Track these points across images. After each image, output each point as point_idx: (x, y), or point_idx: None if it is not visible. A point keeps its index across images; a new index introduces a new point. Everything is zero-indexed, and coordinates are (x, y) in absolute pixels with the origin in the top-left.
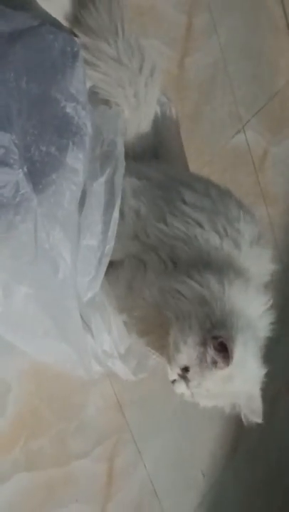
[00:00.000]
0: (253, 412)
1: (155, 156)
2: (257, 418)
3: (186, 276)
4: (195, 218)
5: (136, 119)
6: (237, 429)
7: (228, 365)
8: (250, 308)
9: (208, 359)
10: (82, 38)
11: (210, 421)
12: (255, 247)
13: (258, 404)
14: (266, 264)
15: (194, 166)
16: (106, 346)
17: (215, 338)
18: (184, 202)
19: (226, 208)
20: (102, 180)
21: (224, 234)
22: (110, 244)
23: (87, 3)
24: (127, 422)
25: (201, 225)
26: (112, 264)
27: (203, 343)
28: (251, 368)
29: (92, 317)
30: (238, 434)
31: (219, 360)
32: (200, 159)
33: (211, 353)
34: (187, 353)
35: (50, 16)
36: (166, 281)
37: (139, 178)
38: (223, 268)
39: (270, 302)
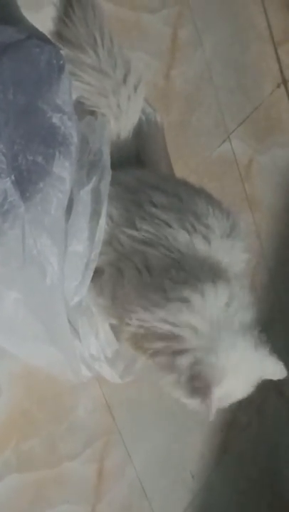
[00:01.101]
0: None
1: (138, 162)
2: None
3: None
4: (163, 219)
5: (116, 128)
6: (226, 431)
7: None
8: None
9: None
10: (64, 51)
11: (199, 423)
12: (226, 240)
13: None
14: (239, 254)
15: (180, 176)
16: (93, 350)
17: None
18: (153, 204)
19: (195, 205)
20: (88, 188)
21: (192, 230)
22: (96, 251)
23: (63, 17)
24: (116, 423)
25: (169, 225)
26: (96, 272)
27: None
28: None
29: (79, 321)
30: (227, 436)
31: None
32: (186, 168)
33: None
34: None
35: (37, 29)
36: (142, 299)
37: (111, 183)
38: (196, 269)
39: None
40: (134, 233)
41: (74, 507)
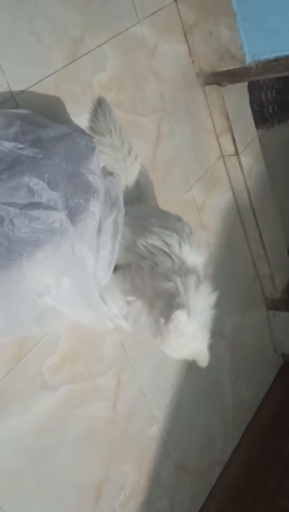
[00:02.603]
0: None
1: (137, 201)
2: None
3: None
4: (166, 233)
5: (125, 181)
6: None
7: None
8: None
9: None
10: (94, 138)
11: None
12: (197, 247)
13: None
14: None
15: None
16: (115, 311)
17: None
18: (152, 225)
19: (181, 227)
20: (110, 218)
21: (189, 243)
22: (116, 255)
23: (92, 118)
24: (127, 355)
25: (172, 237)
26: (116, 268)
27: None
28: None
29: (106, 295)
30: (191, 362)
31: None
32: (165, 207)
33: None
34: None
35: (79, 126)
36: (154, 282)
37: (124, 214)
38: (186, 266)
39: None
40: (147, 241)
41: (103, 403)
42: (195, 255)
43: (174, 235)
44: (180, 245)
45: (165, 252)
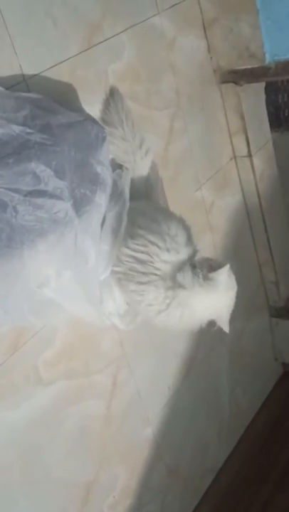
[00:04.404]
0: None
1: (145, 197)
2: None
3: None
4: (148, 238)
5: (133, 175)
6: (189, 361)
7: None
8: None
9: None
10: (105, 128)
11: (174, 355)
12: (187, 247)
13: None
14: (194, 250)
15: (171, 208)
16: (111, 309)
17: None
18: (139, 227)
19: (168, 228)
20: (114, 212)
21: (166, 248)
22: (116, 251)
23: (104, 109)
24: (125, 353)
25: (153, 243)
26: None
27: None
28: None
29: (104, 291)
30: (190, 364)
31: None
32: (174, 204)
33: None
34: None
35: (90, 115)
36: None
37: None
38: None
39: None
40: (125, 250)
41: (97, 401)
42: (185, 252)
43: (165, 249)
44: (170, 256)
45: (138, 268)
